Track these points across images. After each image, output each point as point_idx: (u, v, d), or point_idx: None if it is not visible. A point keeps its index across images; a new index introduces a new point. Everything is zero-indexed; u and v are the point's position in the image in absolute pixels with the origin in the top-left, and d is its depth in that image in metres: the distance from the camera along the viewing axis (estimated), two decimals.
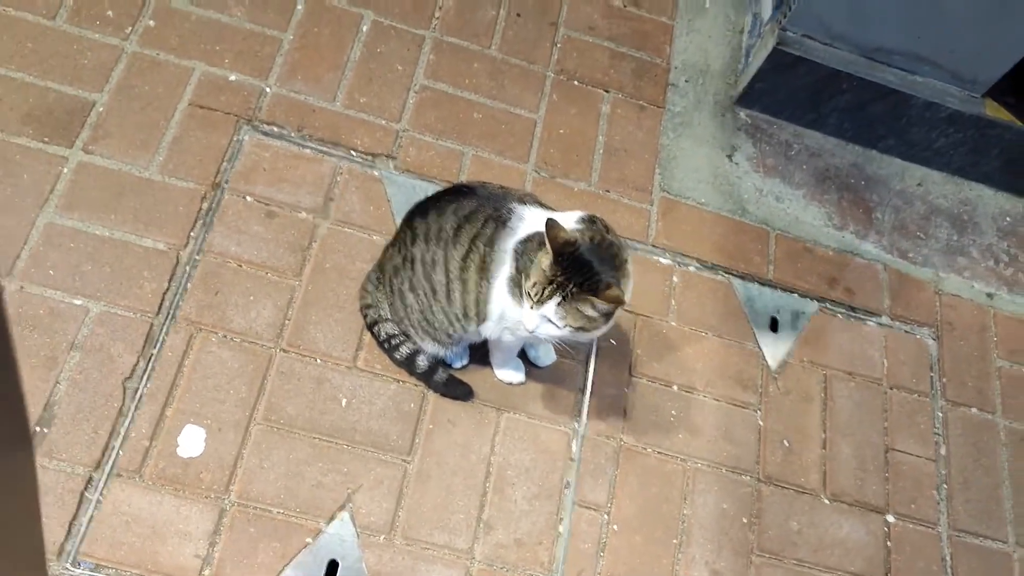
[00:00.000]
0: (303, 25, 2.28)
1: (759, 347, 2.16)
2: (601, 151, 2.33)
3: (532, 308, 1.49)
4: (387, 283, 1.80)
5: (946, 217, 2.52)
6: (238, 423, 1.78)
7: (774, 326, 2.21)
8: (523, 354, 1.96)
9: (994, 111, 2.41)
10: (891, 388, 2.20)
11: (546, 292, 1.45)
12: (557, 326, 1.49)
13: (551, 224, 1.44)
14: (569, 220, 1.55)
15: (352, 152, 2.14)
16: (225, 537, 1.67)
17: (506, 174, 2.21)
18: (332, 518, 1.74)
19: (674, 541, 1.89)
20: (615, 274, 1.49)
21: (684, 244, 2.24)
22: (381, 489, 1.78)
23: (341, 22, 2.31)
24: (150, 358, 1.79)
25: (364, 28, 2.32)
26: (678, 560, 1.87)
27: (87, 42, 2.09)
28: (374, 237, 2.04)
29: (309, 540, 1.71)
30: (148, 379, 1.77)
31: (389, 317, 1.84)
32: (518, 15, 2.48)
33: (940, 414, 2.20)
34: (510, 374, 1.94)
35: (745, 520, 1.95)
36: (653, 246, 2.22)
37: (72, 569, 1.58)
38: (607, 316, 1.50)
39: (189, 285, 1.89)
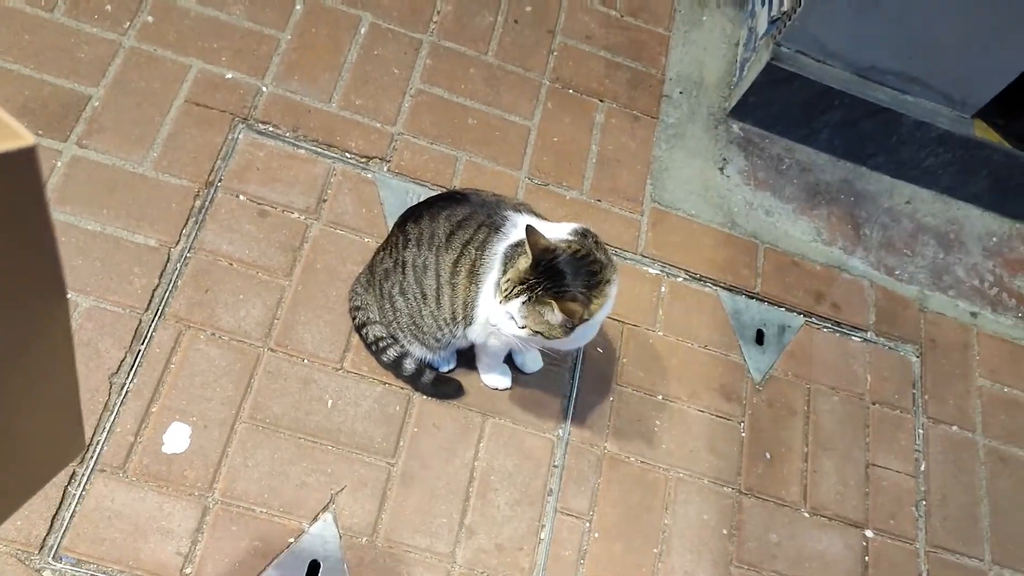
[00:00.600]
0: (301, 25, 2.28)
1: (744, 359, 2.18)
2: (594, 160, 2.35)
3: (500, 303, 1.51)
4: (377, 286, 1.81)
5: (933, 235, 2.54)
6: (224, 421, 1.78)
7: (760, 339, 2.22)
8: (510, 360, 1.97)
9: (983, 132, 2.43)
10: (873, 404, 2.22)
11: (515, 290, 1.48)
12: (517, 324, 1.50)
13: (531, 230, 1.46)
14: (562, 231, 1.57)
15: (346, 154, 2.15)
16: (207, 535, 1.68)
17: (499, 180, 2.22)
18: (315, 519, 1.75)
19: (654, 550, 1.90)
20: (586, 291, 1.49)
21: (673, 255, 2.26)
22: (364, 491, 1.79)
23: (339, 23, 2.32)
24: (137, 354, 1.80)
25: (362, 30, 2.33)
26: (658, 569, 1.88)
27: (84, 36, 2.10)
28: (366, 239, 2.05)
29: (291, 540, 1.72)
30: (135, 375, 1.78)
31: (378, 320, 1.85)
32: (516, 22, 2.49)
33: (921, 431, 2.22)
34: (496, 379, 1.95)
35: (725, 531, 1.97)
36: (642, 256, 2.24)
37: (54, 563, 1.59)
38: (566, 328, 1.50)
39: (179, 282, 1.89)
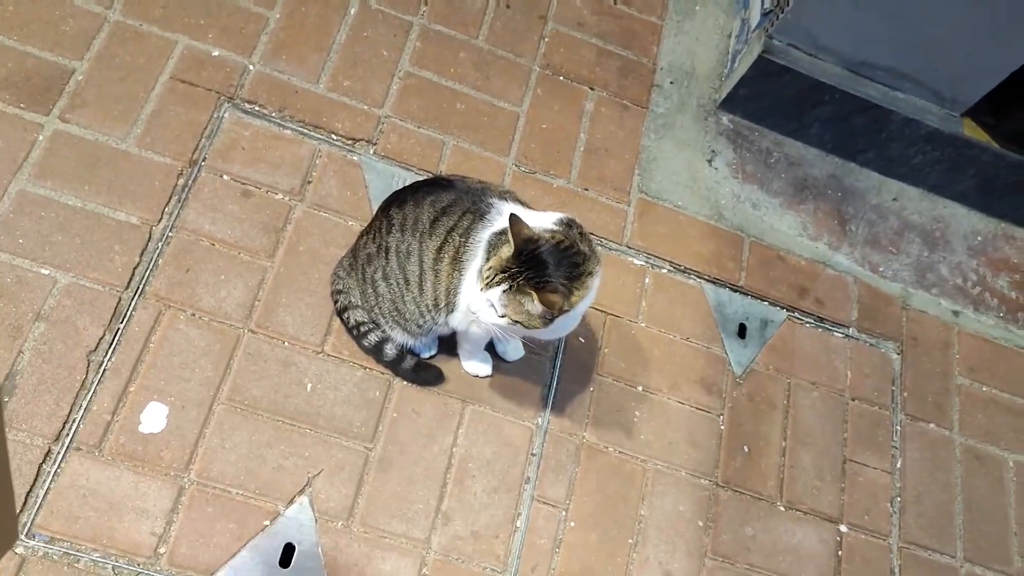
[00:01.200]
0: (290, 4, 2.26)
1: (726, 352, 2.19)
2: (582, 149, 2.34)
3: (481, 290, 1.51)
4: (360, 270, 1.80)
5: (919, 233, 2.55)
6: (202, 402, 1.78)
7: (742, 332, 2.23)
8: (491, 348, 1.97)
9: (972, 131, 2.43)
10: (853, 400, 2.23)
11: (496, 278, 1.47)
12: (497, 312, 1.50)
13: (515, 219, 1.45)
14: (547, 221, 1.56)
15: (332, 136, 2.13)
16: (183, 516, 1.68)
17: (486, 166, 2.21)
18: (291, 502, 1.75)
19: (629, 540, 1.91)
20: (568, 283, 1.49)
21: (658, 246, 2.26)
22: (342, 475, 1.79)
23: (329, 3, 2.30)
24: (116, 332, 1.79)
25: (352, 11, 2.31)
26: (632, 560, 1.89)
27: (70, 8, 2.07)
28: (350, 223, 2.04)
29: (267, 522, 1.71)
30: (113, 353, 1.77)
31: (360, 304, 1.84)
32: (507, 6, 2.47)
33: (899, 428, 2.23)
34: (477, 366, 1.95)
35: (701, 523, 1.98)
36: (628, 247, 2.23)
37: (27, 541, 1.58)
38: (545, 319, 1.49)
39: (160, 261, 1.88)
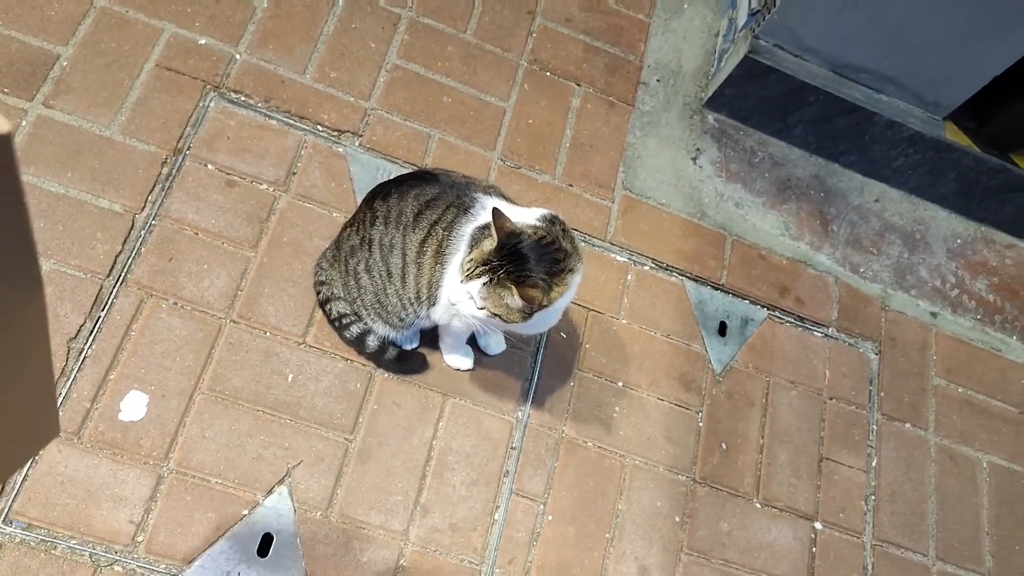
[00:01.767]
0: None
1: (706, 350, 2.20)
2: (567, 144, 2.35)
3: (461, 282, 1.52)
4: (343, 262, 1.80)
5: (899, 235, 2.57)
6: (182, 391, 1.78)
7: (722, 330, 2.25)
8: (473, 342, 1.98)
9: (953, 135, 2.46)
10: (830, 399, 2.25)
11: (477, 270, 1.49)
12: (476, 305, 1.51)
13: (497, 213, 1.46)
14: (531, 216, 1.57)
15: (318, 127, 2.13)
16: (161, 504, 1.68)
17: (471, 161, 2.22)
18: (270, 492, 1.75)
19: (606, 535, 1.93)
20: (548, 278, 1.50)
21: (641, 243, 2.27)
22: (321, 466, 1.80)
23: None
24: (97, 320, 1.79)
25: (340, 2, 2.31)
26: (608, 554, 1.91)
27: None
28: (334, 214, 2.04)
29: (245, 512, 1.72)
30: (93, 341, 1.77)
31: (342, 296, 1.85)
32: (496, 0, 2.47)
33: (875, 427, 2.26)
34: (458, 360, 1.96)
35: (678, 519, 2.00)
36: (611, 243, 2.24)
37: (3, 527, 1.58)
38: (524, 314, 1.50)
39: (143, 249, 1.88)
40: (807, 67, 2.40)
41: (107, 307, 1.80)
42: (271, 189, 2.02)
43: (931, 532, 2.18)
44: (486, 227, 1.57)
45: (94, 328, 1.78)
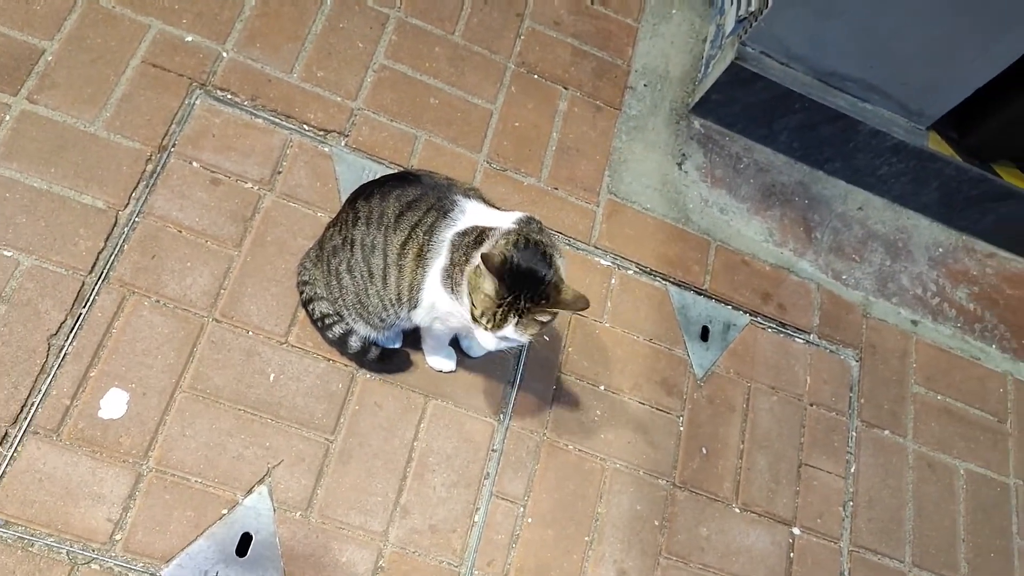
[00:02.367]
0: None
1: (688, 355, 2.21)
2: (554, 148, 2.35)
3: (489, 330, 1.50)
4: (325, 262, 1.80)
5: (882, 243, 2.59)
6: (163, 389, 1.78)
7: (705, 335, 2.26)
8: (455, 343, 1.98)
9: (936, 145, 2.48)
10: (811, 405, 2.27)
11: (498, 315, 1.47)
12: (520, 339, 1.52)
13: (484, 257, 1.44)
14: (508, 220, 1.57)
15: (304, 126, 2.13)
16: (140, 502, 1.68)
17: (457, 162, 2.22)
18: (250, 491, 1.75)
19: (586, 538, 1.94)
20: (554, 273, 1.49)
21: (625, 248, 2.28)
22: (302, 466, 1.80)
23: None
24: (79, 317, 1.78)
25: (328, 1, 2.30)
26: (587, 557, 1.92)
27: None
28: (318, 214, 2.04)
29: (225, 511, 1.72)
30: (74, 338, 1.76)
31: (325, 296, 1.85)
32: (485, 2, 2.48)
33: (854, 434, 2.28)
34: (441, 362, 1.96)
35: (657, 522, 2.01)
36: (595, 247, 2.25)
37: None
38: (553, 315, 1.53)
39: (126, 246, 1.87)
40: (793, 74, 2.41)
41: (89, 304, 1.80)
42: (256, 188, 2.02)
43: (908, 538, 2.20)
44: (466, 233, 1.57)
45: (75, 325, 1.77)
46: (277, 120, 2.11)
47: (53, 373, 1.72)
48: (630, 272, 2.26)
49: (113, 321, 1.80)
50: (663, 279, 2.29)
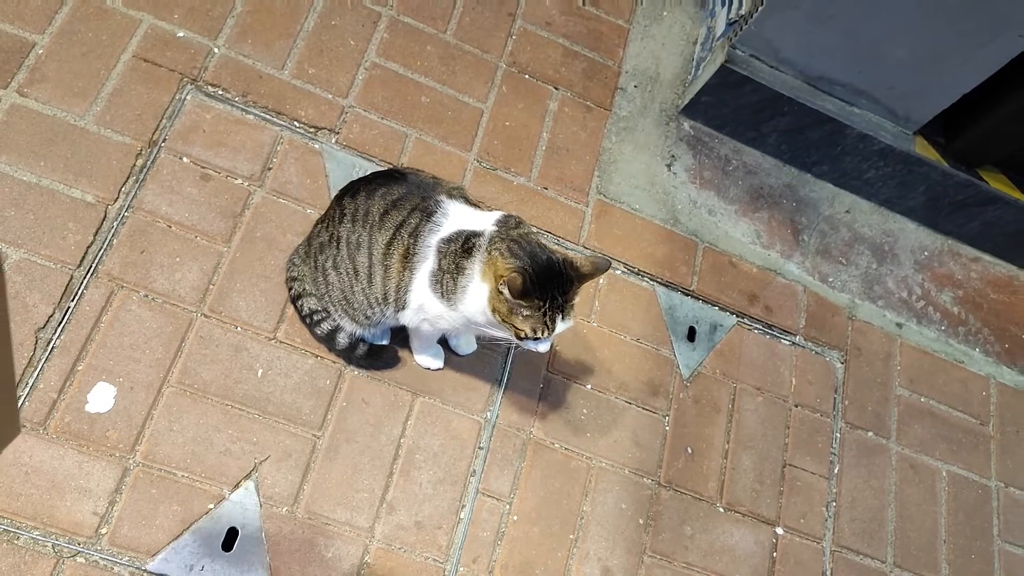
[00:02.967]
0: None
1: (675, 355, 2.23)
2: (544, 148, 2.36)
3: (546, 339, 1.56)
4: (313, 258, 1.81)
5: (868, 246, 2.61)
6: (151, 384, 1.78)
7: (691, 336, 2.28)
8: (444, 341, 1.99)
9: (923, 149, 2.50)
10: (795, 406, 2.29)
11: (548, 321, 1.52)
12: (565, 326, 1.58)
13: (507, 287, 1.47)
14: (488, 221, 1.58)
15: (295, 123, 2.14)
16: (126, 496, 1.68)
17: (447, 161, 2.23)
18: (237, 486, 1.76)
19: (571, 536, 1.95)
20: (560, 255, 1.54)
21: (614, 248, 2.29)
22: (288, 462, 1.81)
23: None
24: (67, 311, 1.78)
25: None
26: (572, 554, 1.93)
27: None
28: (308, 210, 2.04)
29: (211, 506, 1.73)
30: (62, 332, 1.76)
31: (312, 292, 1.85)
32: (477, 1, 2.49)
33: (838, 435, 2.30)
34: (429, 360, 1.97)
35: (641, 521, 2.02)
36: (583, 247, 2.27)
37: None
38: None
39: (115, 241, 1.87)
40: (782, 78, 2.43)
41: (77, 298, 1.80)
42: (246, 184, 2.03)
43: (890, 539, 2.22)
44: (451, 240, 1.57)
45: (63, 319, 1.77)
46: (268, 116, 2.12)
47: (40, 367, 1.72)
48: (618, 272, 2.28)
49: (101, 315, 1.80)
50: (651, 280, 2.30)
